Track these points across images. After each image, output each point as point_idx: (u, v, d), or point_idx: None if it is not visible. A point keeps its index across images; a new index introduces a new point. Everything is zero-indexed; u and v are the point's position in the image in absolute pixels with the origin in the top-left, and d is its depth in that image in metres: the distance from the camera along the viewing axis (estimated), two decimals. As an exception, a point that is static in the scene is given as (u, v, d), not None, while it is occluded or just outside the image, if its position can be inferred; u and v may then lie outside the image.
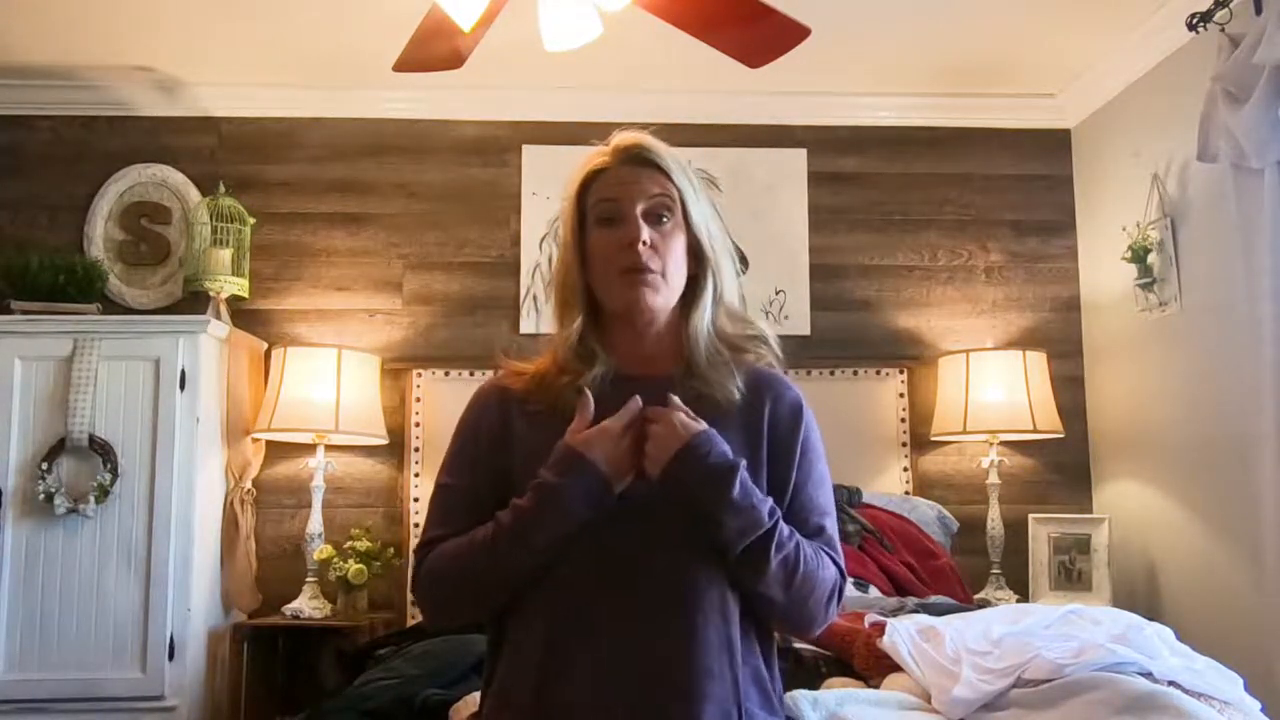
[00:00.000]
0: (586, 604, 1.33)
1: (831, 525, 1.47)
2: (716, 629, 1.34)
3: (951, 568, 3.29)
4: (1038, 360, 3.60)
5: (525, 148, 3.87)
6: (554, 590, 1.34)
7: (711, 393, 1.41)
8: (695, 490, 1.32)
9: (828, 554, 1.43)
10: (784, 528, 1.36)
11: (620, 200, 1.42)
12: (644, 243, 1.40)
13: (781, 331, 3.91)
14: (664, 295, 1.42)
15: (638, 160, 1.44)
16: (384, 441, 3.64)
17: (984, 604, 2.96)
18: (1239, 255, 2.86)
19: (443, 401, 3.67)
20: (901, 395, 3.80)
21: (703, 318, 1.45)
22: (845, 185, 3.94)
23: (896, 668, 2.14)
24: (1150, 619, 2.29)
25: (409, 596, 3.57)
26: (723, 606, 1.35)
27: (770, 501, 1.36)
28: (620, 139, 1.47)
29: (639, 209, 1.41)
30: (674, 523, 1.34)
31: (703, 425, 1.34)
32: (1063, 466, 3.82)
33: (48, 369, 3.18)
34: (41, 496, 3.08)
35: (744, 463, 1.34)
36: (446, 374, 3.73)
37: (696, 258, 1.45)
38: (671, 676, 1.31)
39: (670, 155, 1.46)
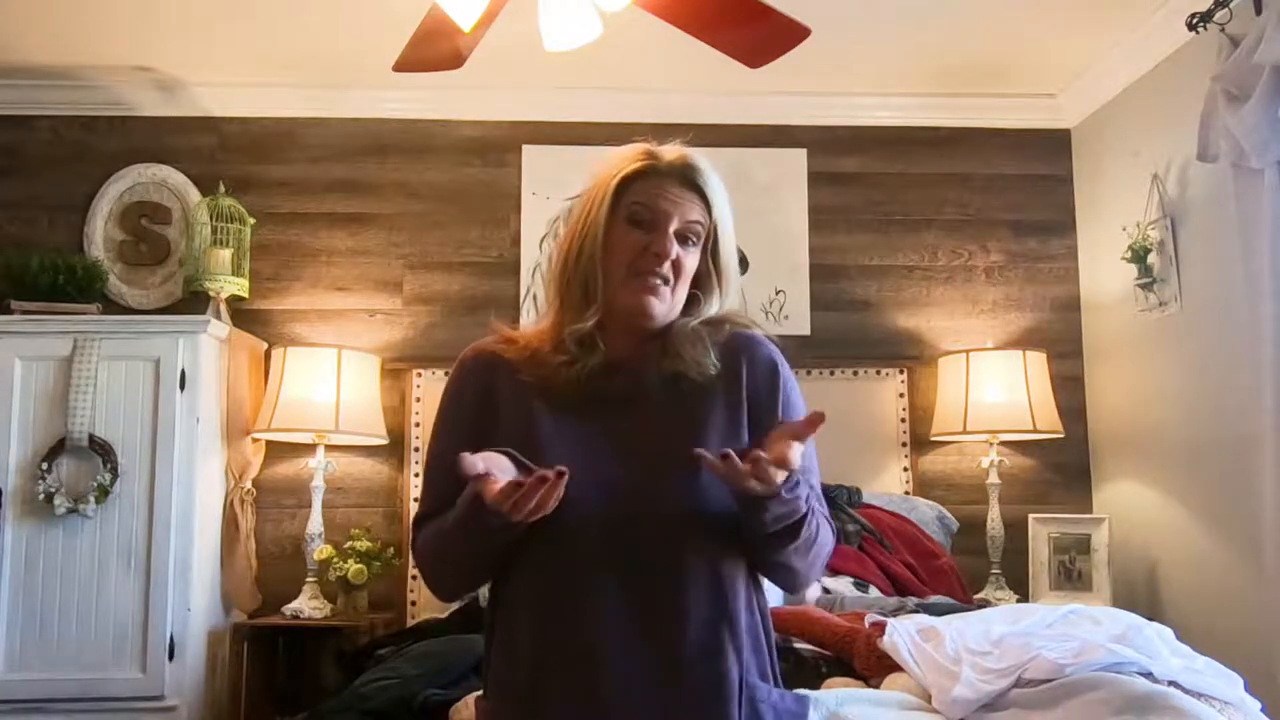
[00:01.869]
0: (576, 584, 1.33)
1: (816, 482, 1.46)
2: (710, 601, 1.34)
3: (951, 568, 3.29)
4: (1038, 360, 3.60)
5: (525, 148, 3.87)
6: (543, 572, 1.35)
7: (686, 370, 1.41)
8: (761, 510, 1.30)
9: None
10: (812, 504, 1.35)
11: (658, 213, 1.42)
12: (671, 259, 1.41)
13: (781, 331, 3.92)
14: (668, 306, 1.43)
15: (687, 181, 1.44)
16: (384, 441, 3.64)
17: (984, 604, 2.96)
18: (1239, 255, 2.86)
19: (442, 401, 3.67)
20: (901, 395, 3.80)
21: (689, 321, 1.46)
22: (845, 185, 3.94)
23: (896, 668, 2.14)
24: (1150, 619, 2.29)
25: (409, 596, 3.58)
26: (715, 578, 1.35)
27: (802, 484, 1.32)
28: (677, 152, 1.46)
29: (673, 226, 1.42)
30: (662, 498, 1.35)
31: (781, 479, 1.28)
32: (1063, 466, 3.82)
33: (48, 369, 3.18)
34: (41, 496, 3.08)
35: (798, 479, 1.30)
36: (446, 374, 3.70)
37: (705, 282, 1.47)
38: (666, 650, 1.31)
39: (718, 187, 1.46)
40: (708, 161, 1.46)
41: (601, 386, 1.41)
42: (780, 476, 1.24)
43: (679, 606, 1.32)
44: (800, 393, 1.50)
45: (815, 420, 1.24)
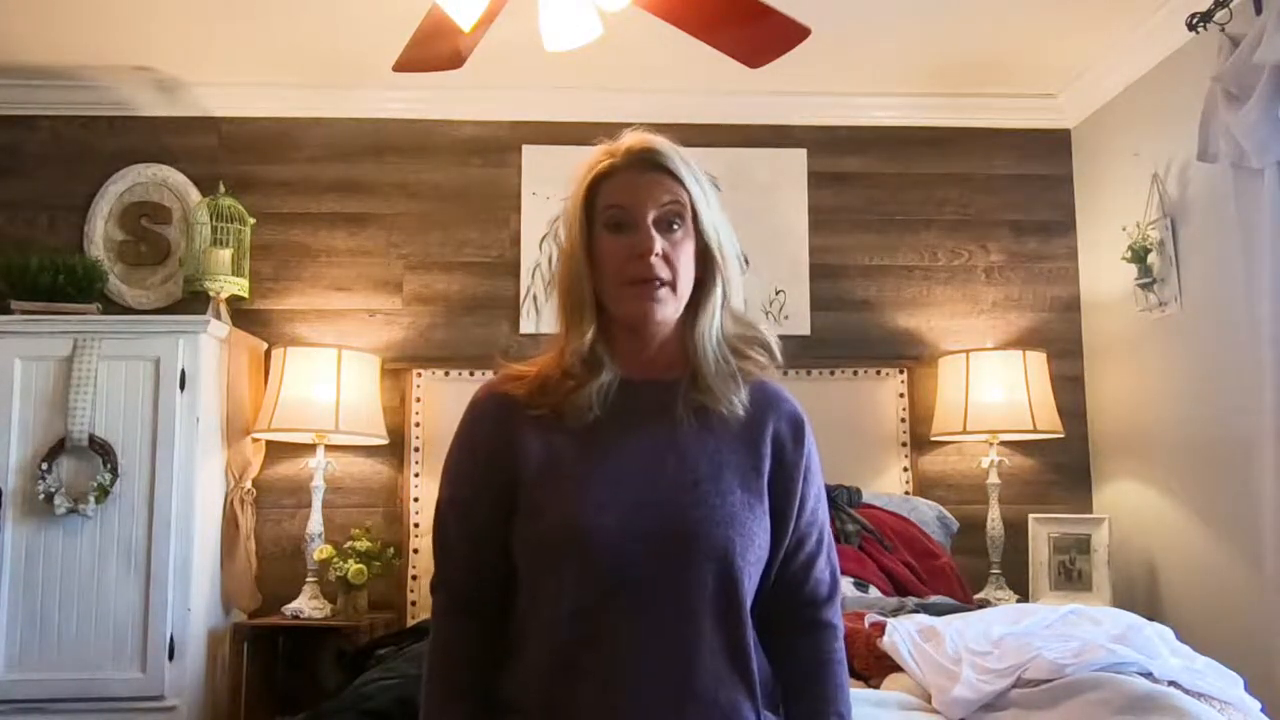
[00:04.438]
0: (596, 602, 1.32)
1: (829, 531, 1.49)
2: (726, 633, 1.33)
3: (951, 568, 3.29)
4: (1038, 360, 3.60)
5: (525, 148, 3.87)
6: (562, 587, 1.33)
7: (716, 406, 1.39)
8: None
9: (830, 572, 1.47)
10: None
11: (631, 208, 1.38)
12: (656, 254, 1.36)
13: (781, 331, 3.91)
14: (673, 306, 1.39)
15: (649, 165, 1.40)
16: (384, 441, 3.64)
17: (984, 604, 2.96)
18: (1239, 255, 2.86)
19: (443, 401, 3.68)
20: (901, 395, 3.80)
21: (710, 323, 1.42)
22: (845, 185, 3.94)
23: (896, 668, 2.14)
24: (1150, 619, 2.29)
25: (409, 596, 3.57)
26: (731, 611, 1.34)
27: None
28: (631, 140, 1.43)
29: (650, 217, 1.38)
30: (684, 521, 1.33)
31: None
32: (1063, 466, 3.82)
33: (48, 369, 3.18)
34: (41, 496, 3.08)
35: None
36: (446, 374, 3.73)
37: (704, 261, 1.42)
38: (680, 683, 1.30)
39: (681, 159, 1.42)
40: (667, 140, 1.43)
41: (627, 402, 1.39)
42: None
43: (692, 633, 1.31)
44: (818, 454, 1.49)
45: None
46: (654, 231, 1.37)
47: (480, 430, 1.43)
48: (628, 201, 1.39)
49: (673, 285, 1.38)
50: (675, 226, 1.39)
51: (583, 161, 1.45)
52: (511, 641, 1.39)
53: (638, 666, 1.30)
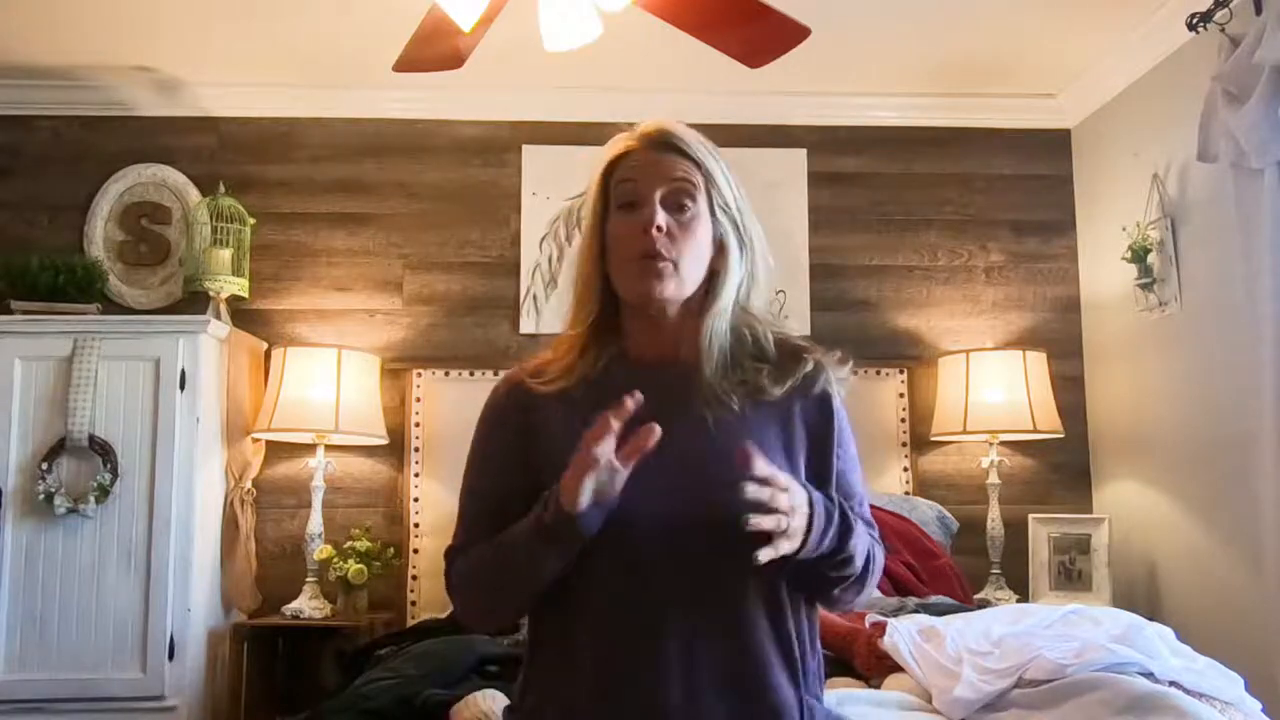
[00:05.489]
0: (636, 593, 1.30)
1: (867, 505, 1.47)
2: (766, 616, 1.32)
3: (951, 568, 3.29)
4: (1038, 360, 3.60)
5: (525, 148, 3.87)
6: (601, 579, 1.31)
7: (725, 399, 1.37)
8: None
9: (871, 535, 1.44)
10: (851, 519, 1.34)
11: (639, 182, 1.37)
12: (659, 228, 1.34)
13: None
14: (675, 285, 1.36)
15: (662, 145, 1.40)
16: (384, 441, 3.64)
17: (984, 604, 2.96)
18: (1239, 255, 2.86)
19: (443, 401, 3.67)
20: (901, 395, 3.80)
21: (721, 316, 1.39)
22: (845, 185, 3.94)
23: (897, 668, 2.14)
24: (1150, 619, 2.29)
25: (409, 596, 3.57)
26: (775, 596, 1.33)
27: (819, 517, 1.29)
28: (646, 123, 1.43)
29: (659, 193, 1.37)
30: (721, 506, 1.28)
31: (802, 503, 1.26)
32: (1063, 466, 3.82)
33: (48, 369, 3.17)
34: (41, 496, 3.08)
35: (823, 498, 1.31)
36: (446, 374, 3.73)
37: (719, 250, 1.40)
38: (729, 671, 1.29)
39: (698, 140, 1.41)
40: (681, 124, 1.43)
41: (649, 386, 1.34)
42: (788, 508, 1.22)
43: (736, 621, 1.30)
44: (847, 417, 1.46)
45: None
46: (660, 208, 1.36)
47: (499, 418, 1.43)
48: (638, 176, 1.38)
49: (676, 263, 1.36)
50: (686, 207, 1.38)
51: (604, 148, 1.45)
52: (551, 635, 1.37)
53: (683, 653, 1.28)
